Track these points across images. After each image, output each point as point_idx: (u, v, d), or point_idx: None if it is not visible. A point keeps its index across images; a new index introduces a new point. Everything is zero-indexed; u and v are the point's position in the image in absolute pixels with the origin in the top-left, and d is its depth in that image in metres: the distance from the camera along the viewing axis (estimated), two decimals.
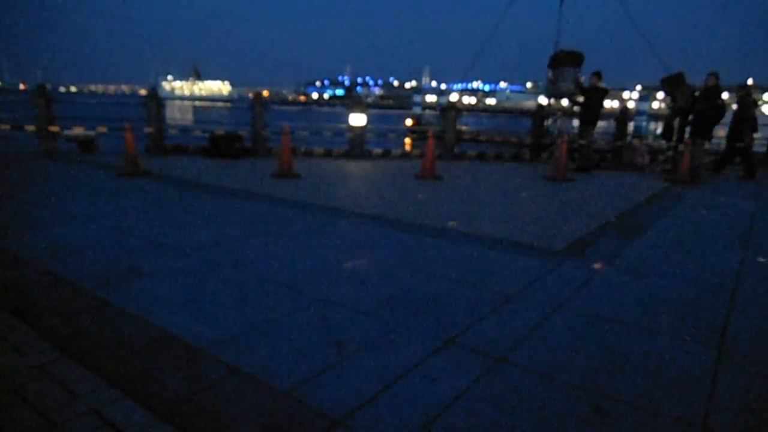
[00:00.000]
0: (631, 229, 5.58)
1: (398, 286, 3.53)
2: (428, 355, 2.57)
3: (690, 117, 10.15)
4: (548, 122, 13.21)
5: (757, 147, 15.44)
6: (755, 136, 10.57)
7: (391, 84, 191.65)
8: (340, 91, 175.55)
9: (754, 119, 10.45)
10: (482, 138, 17.44)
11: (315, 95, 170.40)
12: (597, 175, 10.43)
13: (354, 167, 10.16)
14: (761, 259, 4.48)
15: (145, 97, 11.06)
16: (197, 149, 11.33)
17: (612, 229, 5.54)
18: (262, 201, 6.42)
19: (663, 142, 11.96)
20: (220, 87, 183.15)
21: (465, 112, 17.36)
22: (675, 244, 4.99)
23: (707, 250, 4.83)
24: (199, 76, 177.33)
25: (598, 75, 10.82)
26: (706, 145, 10.43)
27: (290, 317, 2.97)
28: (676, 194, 8.33)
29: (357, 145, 11.86)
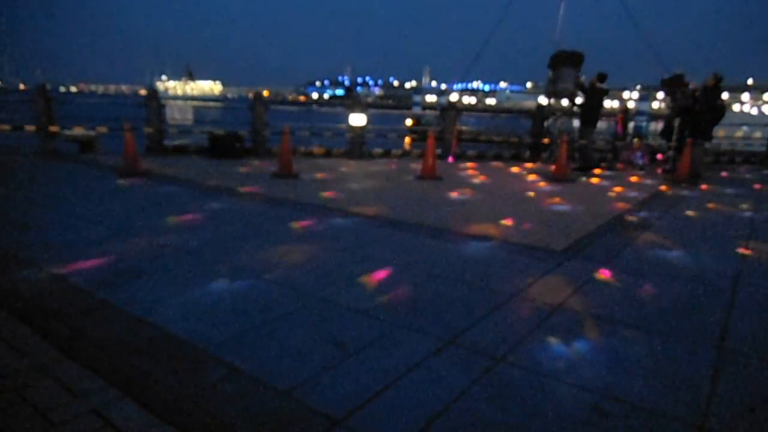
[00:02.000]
0: (631, 229, 5.59)
1: (398, 286, 3.53)
2: (428, 355, 2.57)
3: (690, 117, 10.15)
4: (548, 122, 13.21)
5: (757, 147, 15.53)
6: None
7: (391, 84, 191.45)
8: (340, 91, 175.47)
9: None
10: (482, 138, 17.45)
11: (315, 95, 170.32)
12: (597, 175, 10.43)
13: (354, 167, 10.16)
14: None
15: (145, 97, 11.06)
16: (197, 149, 11.33)
17: (612, 229, 5.54)
18: (261, 201, 6.42)
19: (663, 142, 11.96)
20: (212, 86, 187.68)
21: (465, 112, 17.33)
22: (674, 244, 4.99)
23: (707, 250, 4.83)
24: (191, 76, 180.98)
25: (599, 76, 10.81)
26: (707, 145, 10.43)
27: (290, 317, 2.97)
28: (675, 194, 8.34)
29: (357, 145, 11.85)
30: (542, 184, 8.91)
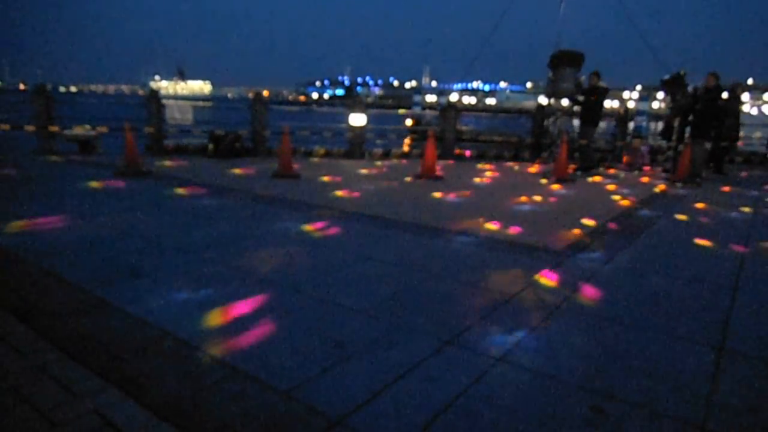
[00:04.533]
0: (631, 229, 5.58)
1: (398, 285, 3.53)
2: (428, 355, 2.57)
3: (690, 117, 10.14)
4: (548, 122, 13.20)
5: (757, 147, 15.53)
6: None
7: (391, 84, 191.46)
8: (340, 91, 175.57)
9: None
10: (482, 138, 17.42)
11: (315, 95, 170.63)
12: (597, 175, 10.43)
13: (354, 167, 10.16)
14: None
15: (145, 97, 11.07)
16: (197, 149, 11.34)
17: (611, 229, 5.54)
18: (261, 201, 6.42)
19: (663, 142, 11.95)
20: (201, 86, 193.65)
21: (465, 112, 17.34)
22: (674, 244, 4.99)
23: (707, 249, 4.83)
24: (182, 76, 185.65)
25: (597, 74, 10.80)
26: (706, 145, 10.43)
27: (290, 317, 2.97)
28: (675, 194, 8.34)
29: (357, 145, 11.85)
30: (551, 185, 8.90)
